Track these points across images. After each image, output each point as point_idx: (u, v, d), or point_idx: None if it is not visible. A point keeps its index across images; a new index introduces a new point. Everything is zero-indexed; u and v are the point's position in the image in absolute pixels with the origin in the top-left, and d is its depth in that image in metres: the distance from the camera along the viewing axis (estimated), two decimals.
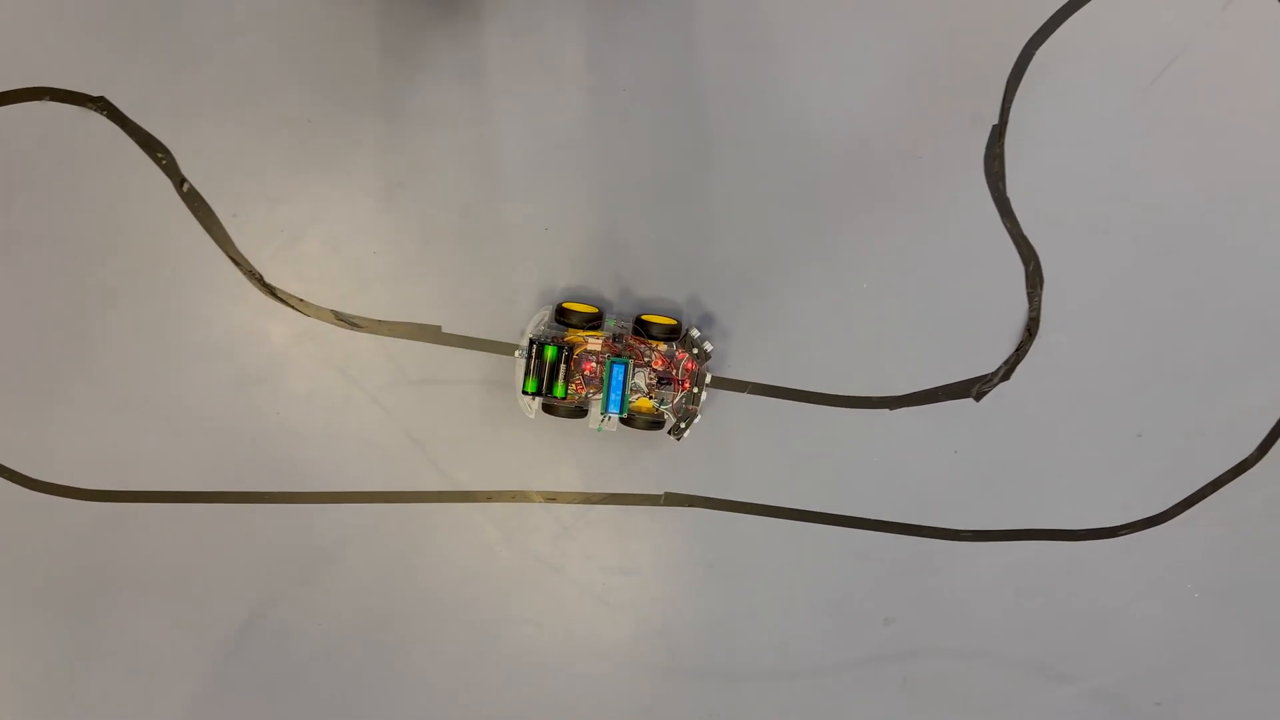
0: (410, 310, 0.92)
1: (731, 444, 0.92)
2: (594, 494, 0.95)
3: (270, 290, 0.91)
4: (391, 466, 0.93)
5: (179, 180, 0.90)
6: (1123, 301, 0.93)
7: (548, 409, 0.89)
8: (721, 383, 0.92)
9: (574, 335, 0.88)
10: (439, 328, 0.92)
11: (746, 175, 0.91)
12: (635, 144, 0.91)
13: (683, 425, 0.89)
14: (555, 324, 0.89)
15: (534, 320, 0.88)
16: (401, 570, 0.95)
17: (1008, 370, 0.94)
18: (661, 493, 0.95)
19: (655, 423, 0.89)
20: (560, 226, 0.91)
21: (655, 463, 0.94)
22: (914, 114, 0.90)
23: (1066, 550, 0.96)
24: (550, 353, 0.86)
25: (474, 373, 0.93)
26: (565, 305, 0.88)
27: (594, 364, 0.87)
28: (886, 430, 0.94)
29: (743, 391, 0.93)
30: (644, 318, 0.88)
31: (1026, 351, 0.93)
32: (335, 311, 0.92)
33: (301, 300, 0.92)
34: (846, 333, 0.93)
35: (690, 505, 0.95)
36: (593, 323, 0.88)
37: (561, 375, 0.86)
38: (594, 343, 0.87)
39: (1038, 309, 0.93)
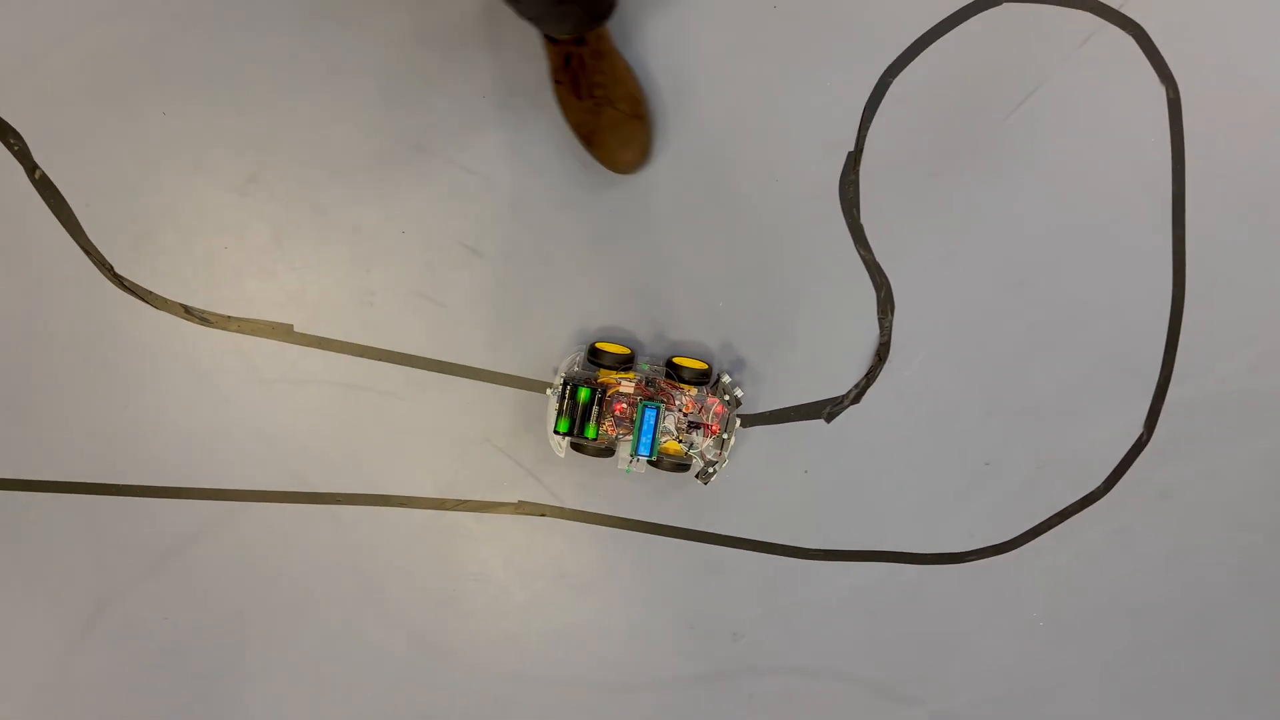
0: (261, 307, 0.92)
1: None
2: (448, 500, 0.95)
3: (121, 281, 0.91)
4: (241, 464, 0.93)
5: (31, 167, 0.89)
6: (974, 331, 0.94)
7: (576, 448, 0.89)
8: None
9: (606, 376, 0.87)
10: (291, 326, 0.92)
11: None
12: (490, 151, 0.91)
13: (710, 470, 0.89)
14: (588, 364, 0.88)
15: (566, 360, 0.88)
16: (250, 569, 0.94)
17: (859, 393, 0.94)
18: (515, 500, 0.96)
19: (681, 465, 0.89)
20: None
21: (511, 471, 0.95)
22: (772, 139, 0.91)
23: (915, 573, 0.97)
24: (584, 394, 0.85)
25: (327, 374, 0.93)
26: (598, 345, 0.87)
27: (624, 405, 0.87)
28: (739, 448, 0.95)
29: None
30: (675, 360, 0.88)
31: (877, 376, 0.94)
32: (185, 306, 0.91)
33: (151, 293, 0.91)
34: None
35: (542, 515, 0.95)
36: (624, 364, 0.87)
37: (594, 417, 0.86)
38: (626, 385, 0.87)
39: (889, 335, 0.94)
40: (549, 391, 0.87)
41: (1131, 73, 0.89)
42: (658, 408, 0.85)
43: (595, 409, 0.85)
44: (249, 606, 0.95)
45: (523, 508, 0.95)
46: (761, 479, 0.96)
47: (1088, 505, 0.96)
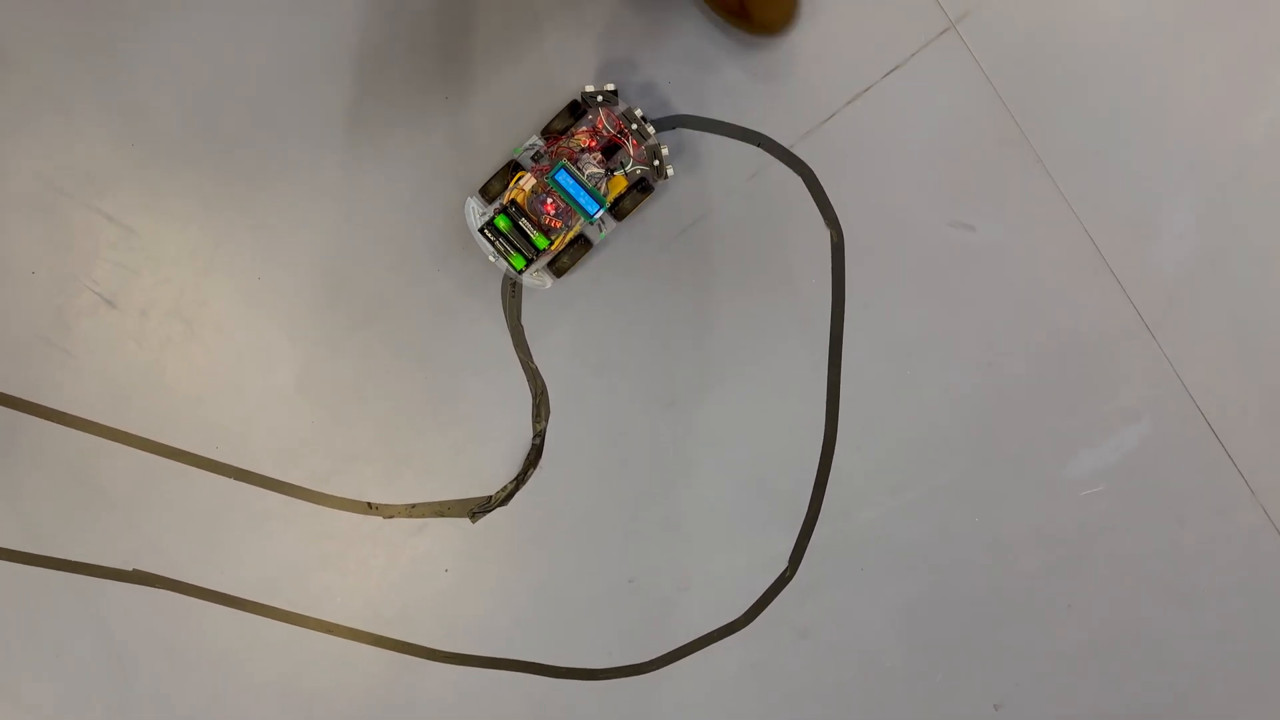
0: None
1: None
2: (45, 557, 0.89)
3: None
4: None
5: None
6: (626, 447, 0.92)
7: (560, 269, 0.85)
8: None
9: (507, 195, 0.83)
10: None
11: None
12: (131, 202, 0.87)
13: (656, 163, 0.84)
14: (489, 205, 0.85)
15: (469, 214, 0.84)
16: None
17: (507, 496, 0.92)
18: (131, 569, 0.90)
19: (643, 186, 0.85)
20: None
21: (124, 534, 0.89)
22: (438, 240, 0.89)
23: (545, 685, 0.94)
24: (502, 222, 0.82)
25: None
26: (481, 187, 0.85)
27: (551, 201, 0.82)
28: (379, 538, 0.91)
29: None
30: (545, 128, 0.85)
31: (527, 480, 0.92)
32: None
33: None
34: (348, 441, 0.90)
35: (157, 586, 0.91)
36: (512, 174, 0.84)
37: (530, 230, 0.81)
38: (526, 181, 0.82)
39: (542, 440, 0.92)
40: (491, 259, 0.83)
41: (798, 212, 0.90)
42: (562, 165, 0.81)
43: (525, 222, 0.81)
44: None
45: (138, 576, 0.90)
46: (399, 574, 0.92)
47: (727, 635, 0.95)
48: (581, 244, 0.85)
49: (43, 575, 0.90)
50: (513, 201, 0.82)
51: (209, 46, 0.87)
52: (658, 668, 0.95)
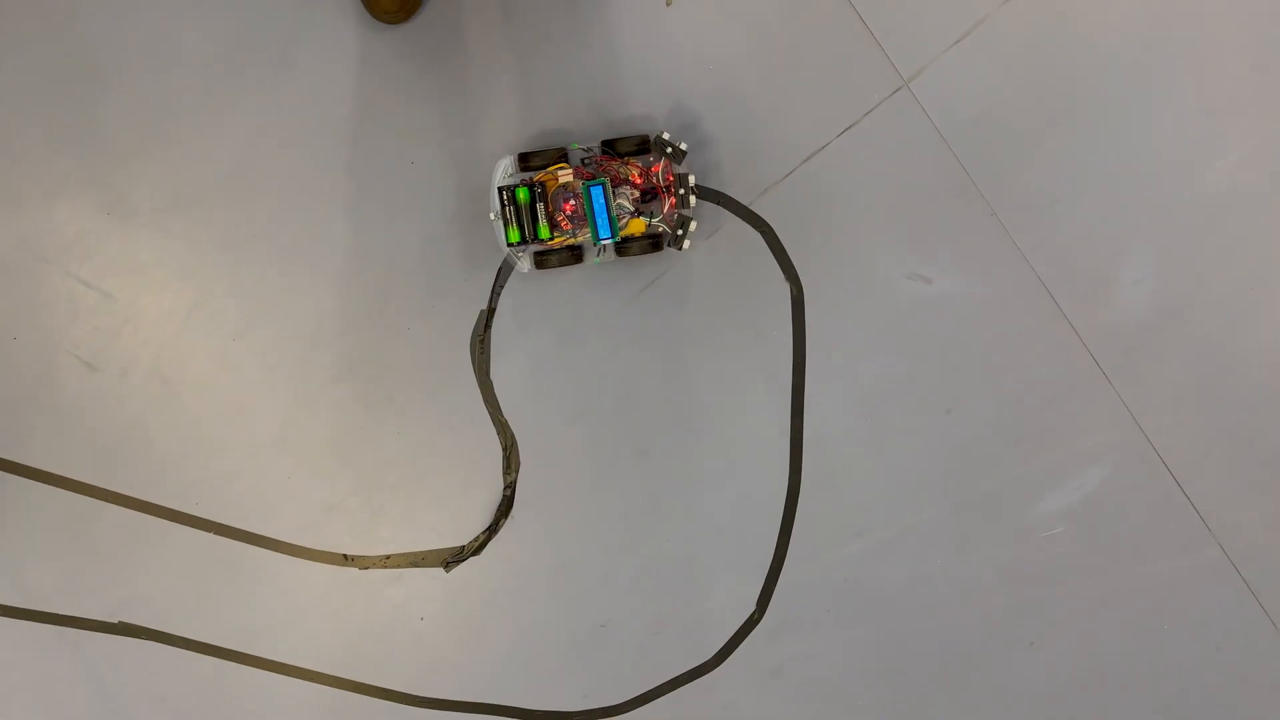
0: None
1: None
2: (34, 611, 0.92)
3: None
4: None
5: None
6: (596, 495, 0.95)
7: (541, 263, 0.86)
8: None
9: (540, 174, 0.84)
10: None
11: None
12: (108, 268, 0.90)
13: (680, 233, 0.85)
14: (521, 173, 0.85)
15: (498, 170, 0.85)
16: None
17: (479, 546, 0.95)
18: (116, 620, 0.93)
19: (652, 242, 0.86)
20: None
21: (111, 587, 0.92)
22: (411, 299, 0.92)
23: None
24: (522, 194, 0.82)
25: None
26: (527, 152, 0.85)
27: (573, 203, 0.83)
28: (356, 588, 0.94)
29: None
30: (609, 141, 0.86)
31: (499, 529, 0.94)
32: None
33: None
34: (324, 495, 0.93)
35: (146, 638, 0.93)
36: (559, 159, 0.85)
37: (541, 216, 0.82)
38: (564, 174, 0.83)
39: (513, 490, 0.94)
40: (492, 217, 0.84)
41: (759, 266, 0.92)
42: (602, 183, 0.83)
43: (541, 207, 0.83)
44: None
45: (124, 629, 0.93)
46: (377, 622, 0.95)
47: (699, 676, 0.97)
48: (573, 254, 0.87)
49: (34, 630, 0.93)
50: (541, 183, 0.84)
51: (186, 114, 0.90)
52: (632, 709, 0.97)
